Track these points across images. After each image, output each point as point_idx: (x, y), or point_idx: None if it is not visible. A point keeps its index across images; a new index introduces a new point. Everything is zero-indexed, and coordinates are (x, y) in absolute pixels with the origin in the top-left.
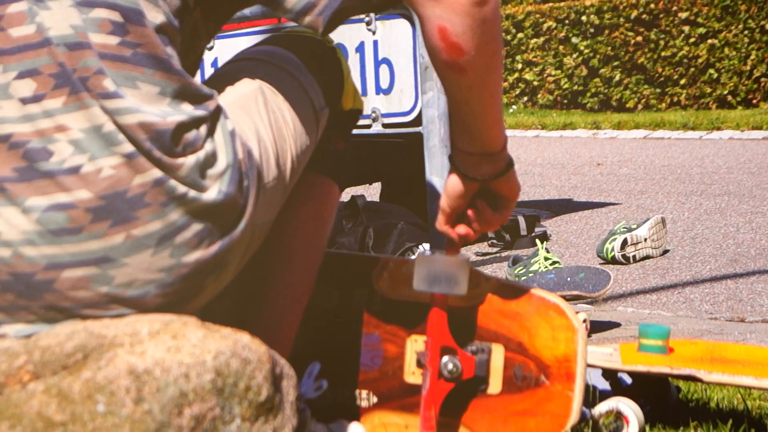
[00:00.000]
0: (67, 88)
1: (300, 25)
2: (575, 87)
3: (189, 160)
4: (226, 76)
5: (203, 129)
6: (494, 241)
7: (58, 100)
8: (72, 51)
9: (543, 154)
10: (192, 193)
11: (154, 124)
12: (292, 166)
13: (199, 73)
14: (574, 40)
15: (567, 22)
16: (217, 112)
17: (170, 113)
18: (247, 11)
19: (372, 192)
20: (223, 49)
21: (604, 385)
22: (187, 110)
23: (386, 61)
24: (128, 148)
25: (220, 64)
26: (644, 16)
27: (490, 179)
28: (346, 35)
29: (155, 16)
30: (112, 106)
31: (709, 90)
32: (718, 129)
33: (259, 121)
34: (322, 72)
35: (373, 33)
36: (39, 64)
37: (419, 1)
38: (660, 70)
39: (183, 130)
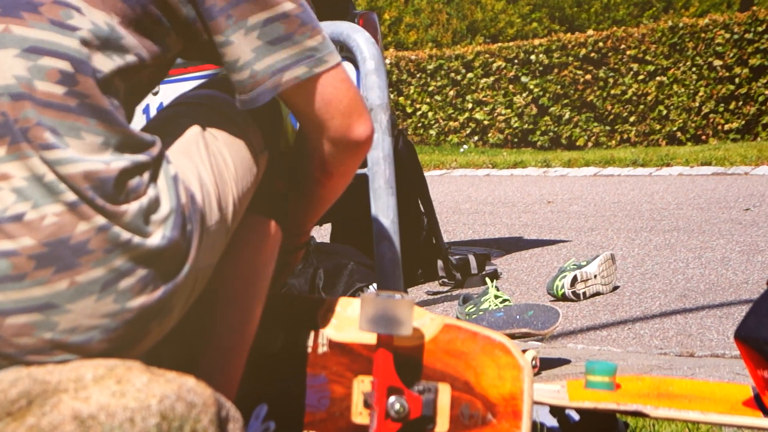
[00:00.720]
0: (8, 137)
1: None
2: (525, 125)
3: (132, 207)
4: (166, 120)
5: (146, 175)
6: (445, 280)
7: (1, 149)
8: (14, 101)
9: (494, 192)
10: (136, 239)
11: (97, 171)
12: (234, 209)
13: (144, 118)
14: (524, 79)
15: (516, 61)
16: (160, 158)
17: (113, 161)
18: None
19: (323, 233)
20: (168, 94)
21: (552, 422)
22: (130, 158)
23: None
24: (71, 196)
25: None
26: (593, 54)
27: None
28: None
29: (106, 66)
30: (52, 157)
31: (658, 127)
32: (668, 165)
33: (201, 165)
34: (261, 114)
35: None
36: None
37: (315, 135)
38: (609, 107)
39: (126, 176)
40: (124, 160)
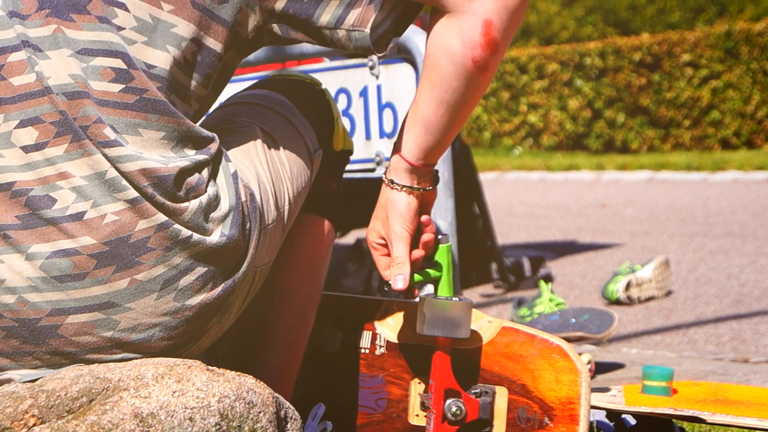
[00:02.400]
0: (69, 135)
1: (345, 41)
2: (579, 129)
3: (192, 204)
4: (222, 119)
5: (205, 173)
6: (499, 283)
7: (60, 148)
8: (71, 100)
9: (547, 196)
10: (196, 236)
11: (156, 170)
12: (290, 208)
13: None
14: (578, 82)
15: (571, 64)
16: (219, 155)
17: (172, 159)
18: (251, 56)
19: None
20: (226, 95)
21: (608, 426)
22: (189, 155)
23: (389, 105)
24: (132, 194)
25: None
26: (647, 58)
27: (432, 188)
28: (349, 80)
29: (159, 60)
30: (113, 154)
31: (712, 131)
32: (722, 170)
33: (258, 164)
34: (314, 114)
35: (377, 77)
36: (40, 113)
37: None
38: (663, 111)
39: (185, 174)
40: (183, 159)
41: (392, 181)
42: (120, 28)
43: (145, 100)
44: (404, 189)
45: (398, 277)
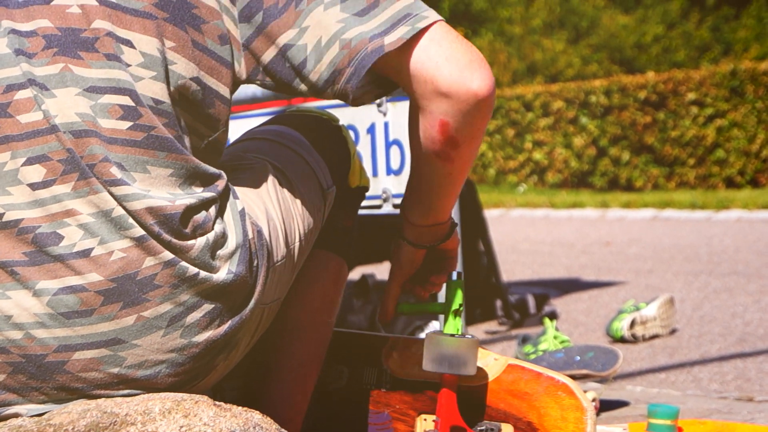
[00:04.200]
0: (76, 173)
1: (328, 98)
2: (584, 166)
3: (199, 242)
4: (234, 155)
5: (213, 210)
6: (503, 320)
7: (67, 186)
8: (77, 138)
9: (552, 233)
10: (203, 273)
11: (162, 208)
12: (300, 245)
13: None
14: (583, 120)
15: (576, 102)
16: (227, 192)
17: (179, 196)
18: (258, 92)
19: (382, 271)
20: (234, 131)
21: None
22: (197, 192)
23: (397, 142)
24: (138, 231)
25: None
26: (652, 96)
27: (438, 244)
28: (357, 117)
29: (165, 96)
30: (119, 193)
31: (717, 170)
32: (726, 209)
33: (268, 201)
34: (329, 151)
35: (384, 114)
36: (48, 150)
37: (426, 95)
38: (668, 150)
39: (192, 212)
40: (190, 196)
41: (400, 235)
42: (128, 65)
43: (152, 138)
44: (409, 244)
45: (382, 318)
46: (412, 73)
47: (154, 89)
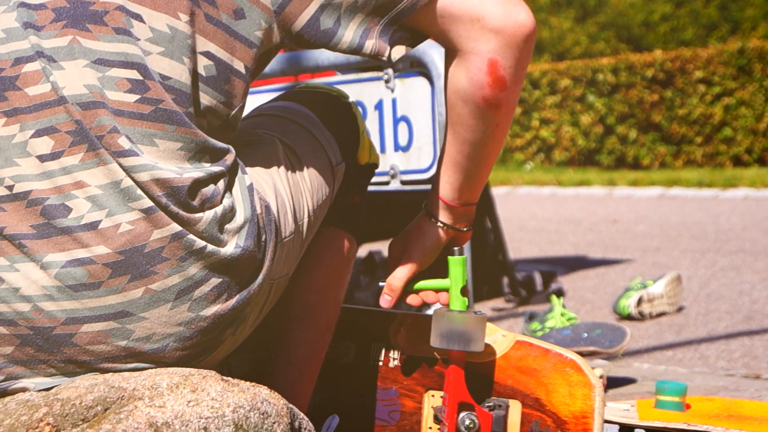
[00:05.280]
0: (85, 144)
1: (365, 56)
2: (591, 144)
3: (207, 215)
4: (243, 130)
5: (221, 184)
6: (510, 297)
7: (75, 157)
8: (85, 110)
9: (559, 211)
10: (210, 247)
11: (170, 180)
12: (309, 221)
13: None
14: (590, 98)
15: (583, 80)
16: (235, 167)
17: (187, 170)
18: (266, 68)
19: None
20: (248, 108)
21: None
22: (205, 167)
23: (405, 118)
24: (146, 203)
25: None
26: (660, 75)
27: (466, 230)
28: (364, 93)
29: (174, 72)
30: (128, 164)
31: (724, 148)
32: (733, 187)
33: (277, 176)
34: (338, 127)
35: (392, 91)
36: (56, 122)
37: (473, 36)
38: (676, 128)
39: (200, 185)
40: (197, 170)
41: (431, 215)
42: (137, 39)
43: (160, 111)
44: (440, 226)
45: (386, 298)
46: (456, 14)
47: (162, 64)
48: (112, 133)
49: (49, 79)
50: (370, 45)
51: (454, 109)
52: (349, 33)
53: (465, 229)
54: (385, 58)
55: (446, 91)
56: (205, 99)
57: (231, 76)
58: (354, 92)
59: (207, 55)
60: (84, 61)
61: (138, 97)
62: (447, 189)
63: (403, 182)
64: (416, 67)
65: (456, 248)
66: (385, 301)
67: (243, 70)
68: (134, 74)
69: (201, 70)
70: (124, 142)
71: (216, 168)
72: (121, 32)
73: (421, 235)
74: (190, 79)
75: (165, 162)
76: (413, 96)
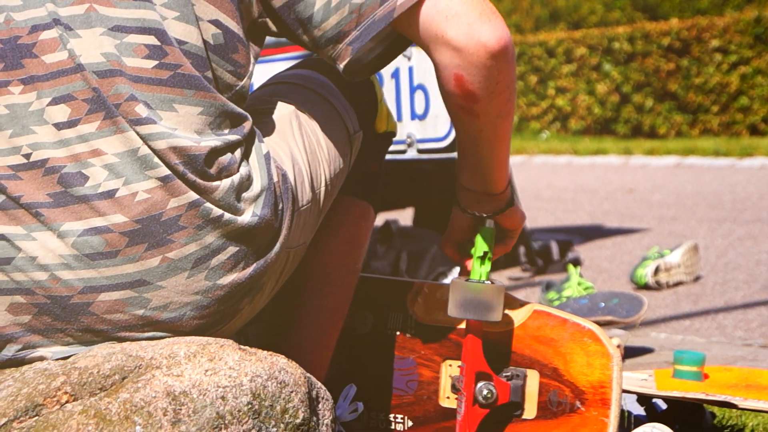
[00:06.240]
0: (102, 112)
1: (324, 58)
2: (607, 113)
3: (224, 183)
4: (260, 99)
5: (238, 153)
6: (527, 266)
7: (92, 125)
8: (102, 78)
9: (575, 180)
10: (227, 215)
11: (187, 148)
12: (326, 190)
13: None
14: (606, 66)
15: (599, 49)
16: (252, 135)
17: (205, 138)
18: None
19: (405, 217)
20: (259, 75)
21: (639, 410)
22: (223, 134)
23: (421, 87)
24: (163, 171)
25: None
26: (676, 43)
27: (490, 216)
28: None
29: (190, 36)
30: (145, 132)
31: (740, 117)
32: (750, 156)
33: (294, 145)
34: (356, 95)
35: (408, 59)
36: (73, 90)
37: (438, 49)
38: (692, 97)
39: (217, 154)
40: (216, 138)
41: (454, 198)
42: (154, 4)
43: (179, 75)
44: (457, 208)
45: None
46: (422, 27)
47: (178, 29)
48: (129, 101)
49: (66, 46)
50: (334, 50)
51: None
52: (318, 32)
53: (488, 215)
54: (339, 66)
55: None
56: (220, 72)
57: (238, 45)
58: None
59: (215, 23)
60: (101, 29)
61: (156, 62)
62: (461, 174)
63: (420, 151)
64: None
65: (488, 219)
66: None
67: (245, 39)
68: (152, 40)
69: (212, 39)
70: (141, 110)
71: (233, 136)
72: None
73: (451, 215)
74: (206, 48)
75: (184, 128)
76: (430, 64)
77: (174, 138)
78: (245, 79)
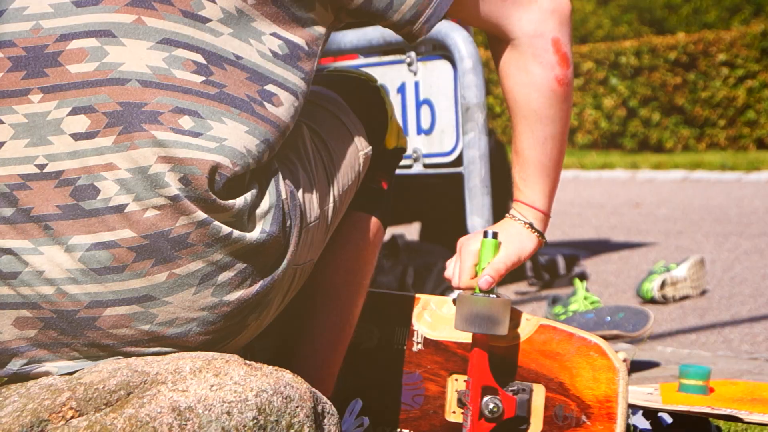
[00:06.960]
0: (120, 127)
1: (401, 34)
2: (614, 127)
3: (237, 203)
4: None
5: (249, 170)
6: (533, 281)
7: (108, 138)
8: (146, 88)
9: (581, 194)
10: (236, 233)
11: (218, 166)
12: (334, 206)
13: None
14: (613, 81)
15: (606, 63)
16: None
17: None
18: None
19: (412, 231)
20: None
21: (644, 424)
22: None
23: (427, 101)
24: (172, 191)
25: None
26: (683, 57)
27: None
28: (387, 76)
29: (245, 53)
30: (158, 149)
31: (747, 131)
32: (757, 170)
33: (303, 161)
34: (366, 112)
35: (415, 74)
36: (95, 102)
37: (533, 18)
38: (699, 111)
39: (231, 173)
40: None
41: (531, 225)
42: (206, 20)
43: (225, 95)
44: (538, 235)
45: (488, 279)
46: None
47: (234, 44)
48: (174, 113)
49: (99, 58)
50: (413, 28)
51: (529, 104)
52: (398, 16)
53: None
54: (413, 42)
55: (512, 92)
56: (282, 77)
57: (300, 54)
58: (376, 75)
59: (275, 35)
60: (149, 42)
61: (204, 78)
62: (542, 199)
63: (426, 165)
64: (439, 50)
65: (490, 231)
66: (485, 281)
67: (306, 48)
68: (199, 58)
69: (276, 49)
70: (185, 122)
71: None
72: (187, 15)
73: (521, 245)
74: (262, 59)
75: (232, 141)
76: (436, 79)
77: (208, 153)
78: (310, 83)
